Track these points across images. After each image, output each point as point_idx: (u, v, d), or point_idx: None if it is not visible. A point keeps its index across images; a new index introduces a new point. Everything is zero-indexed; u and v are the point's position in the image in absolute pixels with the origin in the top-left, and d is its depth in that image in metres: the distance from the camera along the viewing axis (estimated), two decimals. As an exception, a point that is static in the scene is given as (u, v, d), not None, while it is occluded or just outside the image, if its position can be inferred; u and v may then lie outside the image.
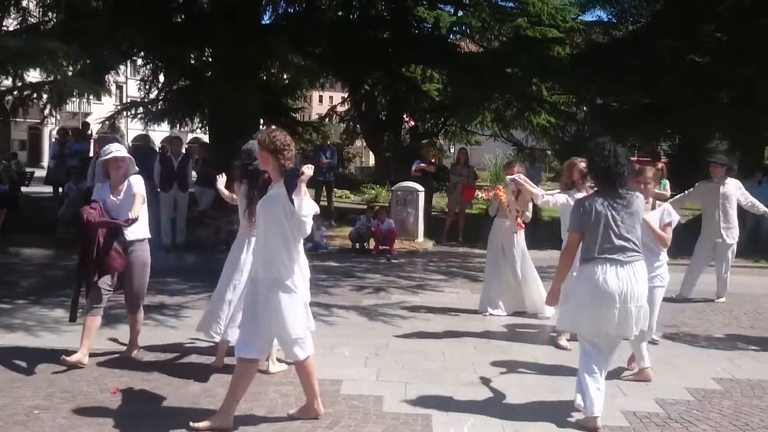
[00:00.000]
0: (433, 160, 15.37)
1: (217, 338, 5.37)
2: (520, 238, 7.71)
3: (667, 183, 11.79)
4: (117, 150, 5.38)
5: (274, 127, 4.79)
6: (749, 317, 8.01)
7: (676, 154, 25.65)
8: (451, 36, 17.38)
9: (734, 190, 8.68)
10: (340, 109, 28.22)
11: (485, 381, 5.40)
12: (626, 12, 20.70)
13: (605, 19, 22.05)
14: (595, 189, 4.69)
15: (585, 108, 19.56)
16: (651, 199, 5.73)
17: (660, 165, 12.22)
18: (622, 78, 14.66)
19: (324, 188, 14.97)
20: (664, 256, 5.56)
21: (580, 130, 21.10)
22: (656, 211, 5.63)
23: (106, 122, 19.35)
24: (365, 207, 13.68)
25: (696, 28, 14.73)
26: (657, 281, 5.40)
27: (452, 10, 16.87)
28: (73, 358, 5.26)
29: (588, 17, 20.55)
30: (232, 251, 5.43)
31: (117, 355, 5.69)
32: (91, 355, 5.53)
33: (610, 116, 17.42)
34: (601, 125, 18.10)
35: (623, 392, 5.23)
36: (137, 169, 5.68)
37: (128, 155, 5.42)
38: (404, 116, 25.08)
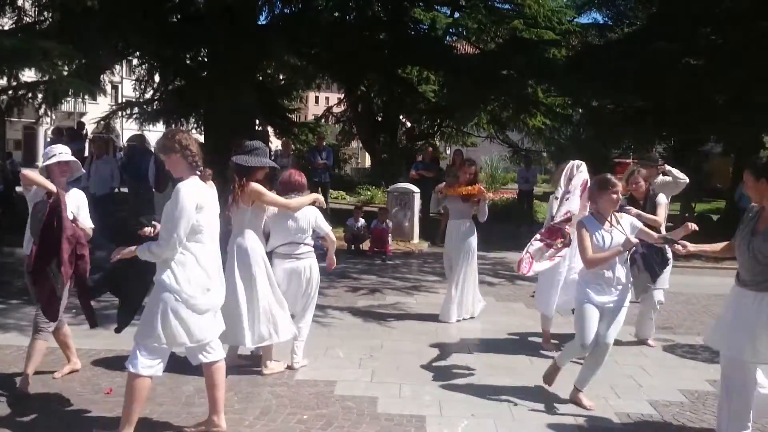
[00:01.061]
0: (434, 163, 15.38)
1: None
2: (474, 239, 7.49)
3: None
4: (62, 153, 4.79)
5: (174, 128, 4.63)
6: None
7: (670, 156, 25.71)
8: (447, 37, 17.44)
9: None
10: (336, 110, 28.29)
11: (479, 382, 5.41)
12: (622, 14, 20.73)
13: (601, 22, 22.08)
14: None
15: (580, 110, 19.60)
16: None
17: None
18: (617, 80, 14.69)
19: (320, 189, 14.99)
20: None
21: (576, 132, 21.15)
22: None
23: (102, 122, 19.33)
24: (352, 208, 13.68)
25: (691, 31, 14.80)
26: None
27: (449, 12, 16.92)
28: (65, 370, 5.20)
29: (584, 19, 20.67)
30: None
31: (111, 356, 5.68)
32: (86, 356, 5.52)
33: (605, 118, 17.45)
34: (597, 127, 18.17)
35: (617, 394, 5.24)
36: (83, 171, 5.49)
37: (74, 158, 4.87)
38: (400, 117, 25.13)
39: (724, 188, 14.92)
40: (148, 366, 3.90)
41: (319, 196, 5.88)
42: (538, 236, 5.66)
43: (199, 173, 4.00)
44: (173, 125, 19.56)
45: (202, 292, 3.94)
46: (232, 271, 5.08)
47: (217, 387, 4.17)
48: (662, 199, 6.34)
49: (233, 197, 5.15)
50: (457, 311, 7.42)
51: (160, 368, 3.99)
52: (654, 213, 6.16)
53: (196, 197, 3.88)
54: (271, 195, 5.22)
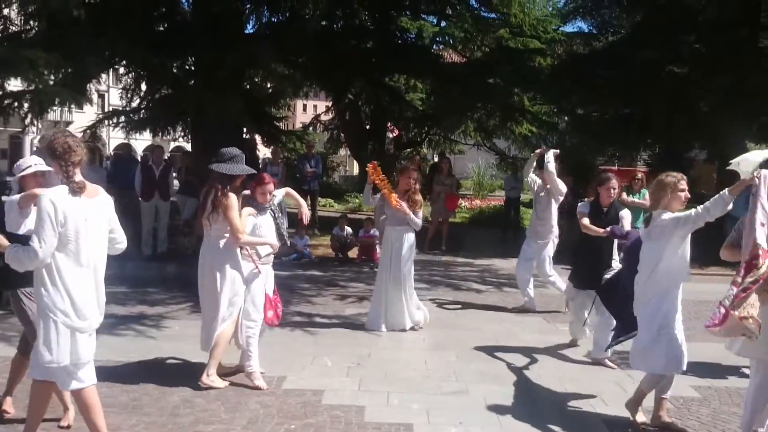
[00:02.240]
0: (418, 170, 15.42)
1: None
2: (408, 247, 7.26)
3: (646, 193, 11.89)
4: (37, 164, 4.48)
5: (60, 131, 4.31)
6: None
7: (656, 163, 25.89)
8: (434, 46, 17.48)
9: None
10: (324, 118, 28.26)
11: (467, 389, 5.42)
12: (607, 23, 20.86)
13: (586, 31, 22.22)
14: None
15: (566, 118, 19.73)
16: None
17: (639, 175, 12.33)
18: (602, 88, 14.83)
19: (309, 197, 15.00)
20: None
21: (562, 139, 21.25)
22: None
23: (88, 131, 19.22)
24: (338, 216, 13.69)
25: (675, 40, 14.96)
26: None
27: (435, 21, 16.96)
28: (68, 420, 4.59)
29: (569, 28, 20.72)
30: None
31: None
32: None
33: (590, 126, 17.58)
34: (582, 135, 18.29)
35: (604, 401, 5.27)
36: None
37: (49, 168, 4.43)
38: (388, 125, 25.17)
39: (709, 195, 15.06)
40: (82, 378, 3.86)
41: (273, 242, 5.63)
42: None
43: (70, 184, 3.72)
44: (160, 134, 19.51)
45: (75, 311, 3.73)
46: (203, 275, 5.34)
47: (92, 410, 3.92)
48: (626, 213, 6.38)
49: (214, 205, 5.22)
50: (384, 320, 7.18)
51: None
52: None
53: (55, 209, 3.62)
54: (235, 216, 5.21)
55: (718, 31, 14.61)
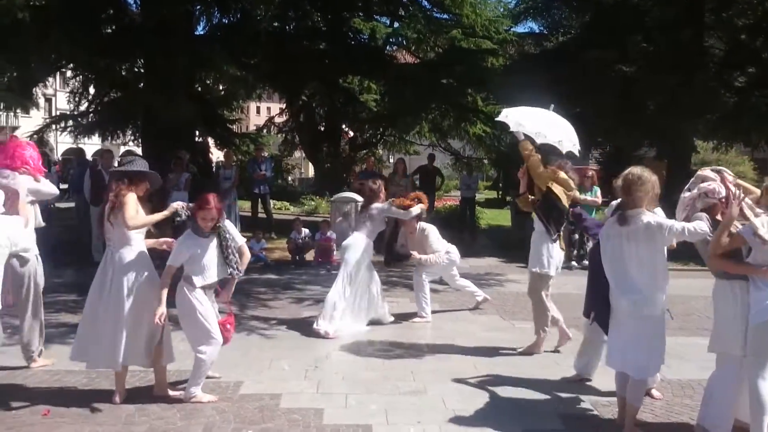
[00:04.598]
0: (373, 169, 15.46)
1: None
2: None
3: (598, 190, 12.13)
4: None
5: None
6: (679, 319, 8.24)
7: (606, 161, 26.39)
8: (387, 47, 17.54)
9: None
10: (278, 120, 28.14)
11: (424, 389, 5.43)
12: (557, 24, 21.19)
13: (537, 31, 22.57)
14: None
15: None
16: None
17: (590, 173, 12.55)
18: (553, 88, 15.02)
19: (260, 200, 14.89)
20: None
21: (515, 139, 21.48)
22: None
23: (35, 136, 18.76)
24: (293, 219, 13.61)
25: (623, 40, 15.27)
26: None
27: (388, 22, 17.01)
28: None
29: (520, 29, 21.00)
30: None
31: (47, 376, 5.50)
32: (20, 376, 5.33)
33: (542, 125, 17.78)
34: (535, 134, 18.50)
35: (559, 395, 5.34)
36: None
37: None
38: (343, 127, 25.14)
39: (659, 191, 15.44)
40: None
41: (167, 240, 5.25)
42: None
43: None
44: (109, 138, 19.15)
45: None
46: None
47: None
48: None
49: (113, 204, 4.94)
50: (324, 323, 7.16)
51: None
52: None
53: None
54: (130, 207, 4.89)
55: (663, 31, 14.97)
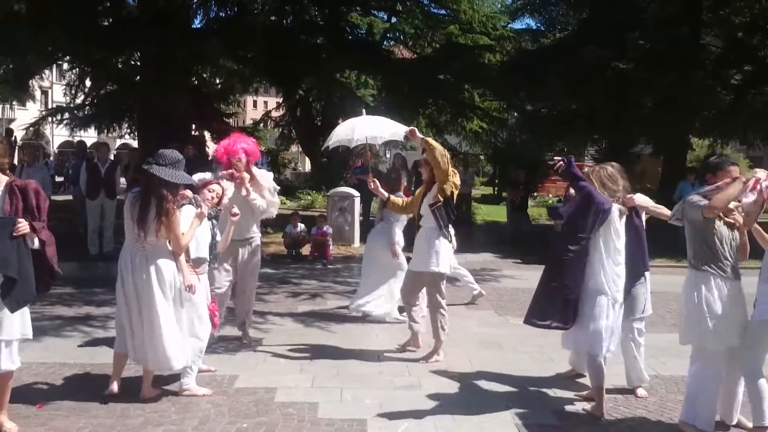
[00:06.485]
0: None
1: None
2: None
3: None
4: None
5: None
6: (673, 315, 8.28)
7: (602, 158, 26.42)
8: (384, 42, 17.51)
9: None
10: (274, 114, 28.00)
11: (419, 383, 5.44)
12: (554, 20, 21.16)
13: (534, 27, 22.55)
14: None
15: (516, 114, 19.97)
16: None
17: (587, 169, 12.54)
18: (550, 84, 15.04)
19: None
20: None
21: (512, 135, 21.51)
22: None
23: (31, 128, 18.72)
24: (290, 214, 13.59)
25: (620, 37, 15.26)
26: None
27: (386, 17, 16.99)
28: None
29: (517, 25, 21.04)
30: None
31: (42, 369, 5.51)
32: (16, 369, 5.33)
33: (539, 122, 17.83)
34: (531, 131, 18.55)
35: (554, 391, 5.36)
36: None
37: None
38: (339, 121, 25.08)
39: (654, 189, 15.47)
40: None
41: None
42: None
43: None
44: (106, 131, 19.12)
45: None
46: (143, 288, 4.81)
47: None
48: None
49: (159, 214, 4.66)
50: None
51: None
52: None
53: None
54: (179, 230, 4.79)
55: (661, 28, 14.97)
